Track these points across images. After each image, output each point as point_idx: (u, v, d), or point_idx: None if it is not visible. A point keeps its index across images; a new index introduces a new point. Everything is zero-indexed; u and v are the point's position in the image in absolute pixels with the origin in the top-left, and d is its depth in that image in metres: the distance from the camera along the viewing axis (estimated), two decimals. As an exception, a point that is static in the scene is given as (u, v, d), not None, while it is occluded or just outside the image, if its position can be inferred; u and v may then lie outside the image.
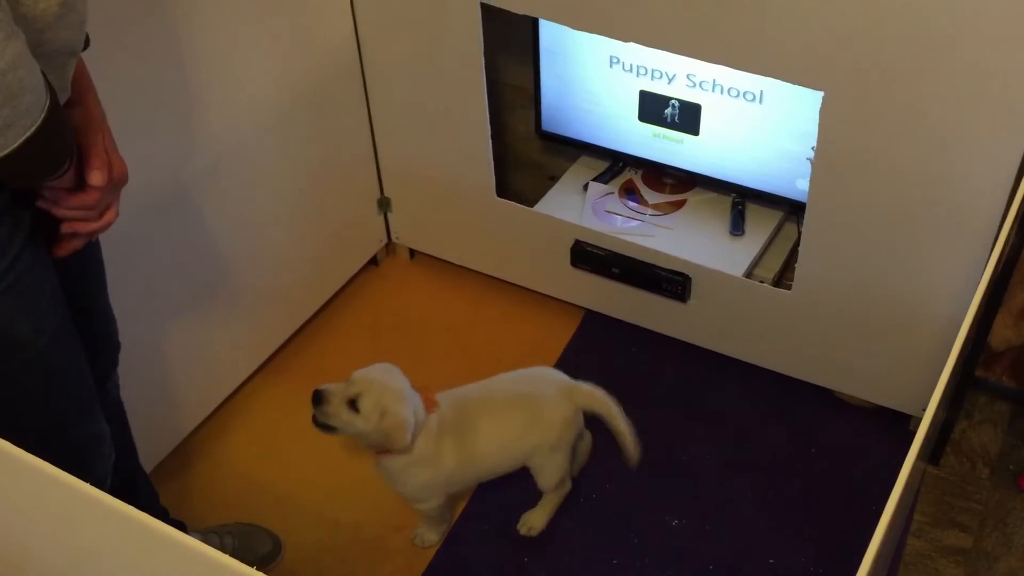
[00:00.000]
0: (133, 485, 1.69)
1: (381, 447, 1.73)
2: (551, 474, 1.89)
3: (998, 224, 1.68)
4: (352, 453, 2.10)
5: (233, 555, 1.67)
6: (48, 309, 1.22)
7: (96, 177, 1.18)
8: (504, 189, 2.26)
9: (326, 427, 1.71)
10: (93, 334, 1.41)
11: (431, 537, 1.93)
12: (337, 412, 1.68)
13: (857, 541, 1.88)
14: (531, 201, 2.31)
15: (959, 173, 1.67)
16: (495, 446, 1.83)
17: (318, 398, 1.69)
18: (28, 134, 1.00)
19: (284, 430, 2.16)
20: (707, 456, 2.07)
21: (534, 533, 1.95)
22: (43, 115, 1.01)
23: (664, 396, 2.20)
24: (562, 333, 2.33)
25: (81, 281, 1.35)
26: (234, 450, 2.11)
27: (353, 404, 1.68)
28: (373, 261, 2.50)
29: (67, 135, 1.10)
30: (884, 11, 1.56)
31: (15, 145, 1.00)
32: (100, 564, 0.93)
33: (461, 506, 2.00)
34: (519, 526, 1.95)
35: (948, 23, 1.52)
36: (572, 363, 2.26)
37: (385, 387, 1.69)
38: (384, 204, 2.42)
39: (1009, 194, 1.64)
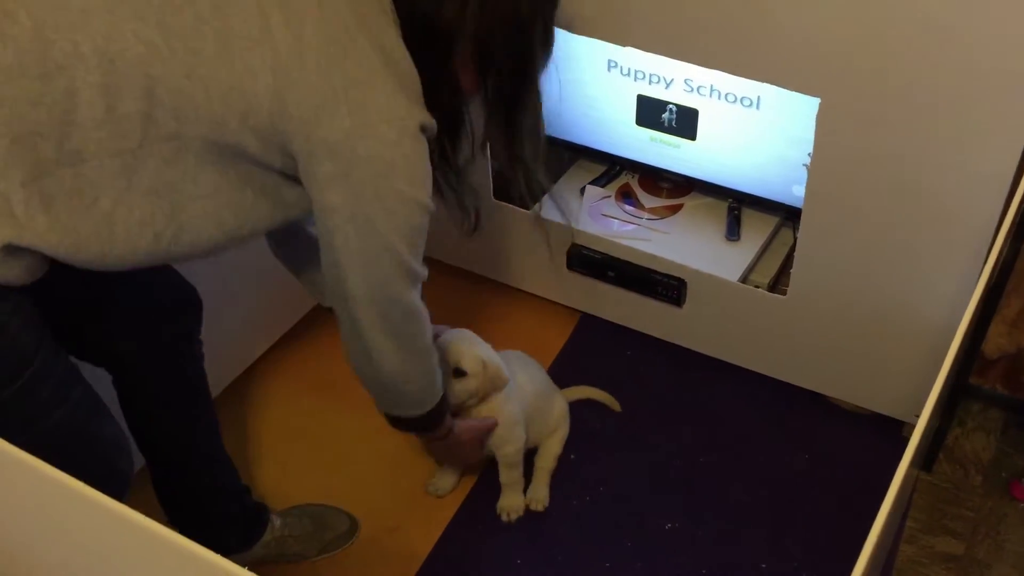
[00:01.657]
0: (214, 461, 1.75)
1: (482, 397, 1.82)
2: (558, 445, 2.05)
3: (993, 232, 1.68)
4: (345, 454, 2.10)
5: (312, 534, 1.88)
6: (41, 323, 1.25)
7: None
8: (501, 192, 2.26)
9: None
10: (158, 298, 1.55)
11: (517, 502, 1.98)
12: (452, 394, 1.75)
13: (849, 546, 1.88)
14: (528, 204, 2.31)
15: (955, 181, 1.67)
16: (543, 384, 2.03)
17: None
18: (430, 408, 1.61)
19: (277, 430, 2.16)
20: (701, 460, 2.08)
21: (546, 503, 1.99)
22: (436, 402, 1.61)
23: (658, 400, 2.20)
24: (558, 336, 2.34)
25: None
26: (227, 446, 2.10)
27: (458, 371, 1.77)
28: (369, 262, 2.49)
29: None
30: (882, 18, 1.56)
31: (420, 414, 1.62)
32: (109, 568, 0.94)
33: (453, 510, 2.00)
34: (528, 503, 1.98)
35: (945, 31, 1.53)
36: (567, 366, 2.26)
37: (470, 341, 1.82)
38: (381, 205, 2.42)
39: (1004, 202, 1.65)
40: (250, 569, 0.78)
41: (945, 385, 1.25)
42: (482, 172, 2.18)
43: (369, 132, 1.23)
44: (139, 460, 1.67)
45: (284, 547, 1.86)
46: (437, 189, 1.49)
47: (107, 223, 1.17)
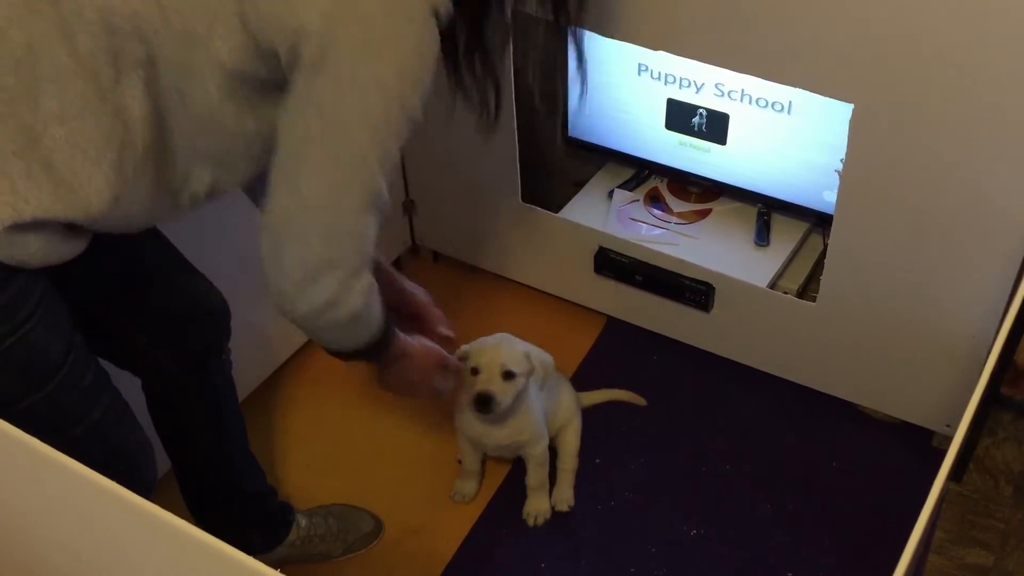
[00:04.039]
0: (241, 465, 1.75)
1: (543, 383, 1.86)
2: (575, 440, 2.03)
3: (1028, 241, 1.67)
4: (370, 456, 2.11)
5: (336, 534, 1.86)
6: (71, 330, 1.24)
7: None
8: (529, 194, 2.26)
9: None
10: (188, 306, 1.52)
11: (544, 506, 1.98)
12: (504, 395, 1.77)
13: (877, 556, 1.87)
14: (556, 207, 2.31)
15: (990, 189, 1.65)
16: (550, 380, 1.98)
17: (486, 403, 1.76)
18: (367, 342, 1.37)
19: (304, 432, 2.16)
20: (727, 466, 2.06)
21: (572, 503, 1.99)
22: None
23: (685, 405, 2.19)
24: (584, 340, 2.33)
25: (141, 264, 1.43)
26: (253, 448, 2.11)
27: (508, 374, 1.77)
28: (396, 263, 2.50)
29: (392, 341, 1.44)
30: (918, 23, 1.55)
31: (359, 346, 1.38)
32: (135, 567, 0.94)
33: (477, 513, 2.00)
34: (554, 504, 1.98)
35: (983, 36, 1.51)
36: (593, 371, 2.25)
37: (509, 341, 1.82)
38: (409, 207, 2.43)
39: (1040, 211, 1.63)
40: (274, 569, 0.78)
41: (975, 395, 1.24)
42: (509, 172, 2.18)
43: (351, 12, 1.08)
44: (164, 464, 1.69)
45: (309, 547, 1.87)
46: (455, 74, 1.30)
47: (117, 170, 1.11)
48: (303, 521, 1.87)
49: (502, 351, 1.78)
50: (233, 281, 2.03)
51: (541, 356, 1.85)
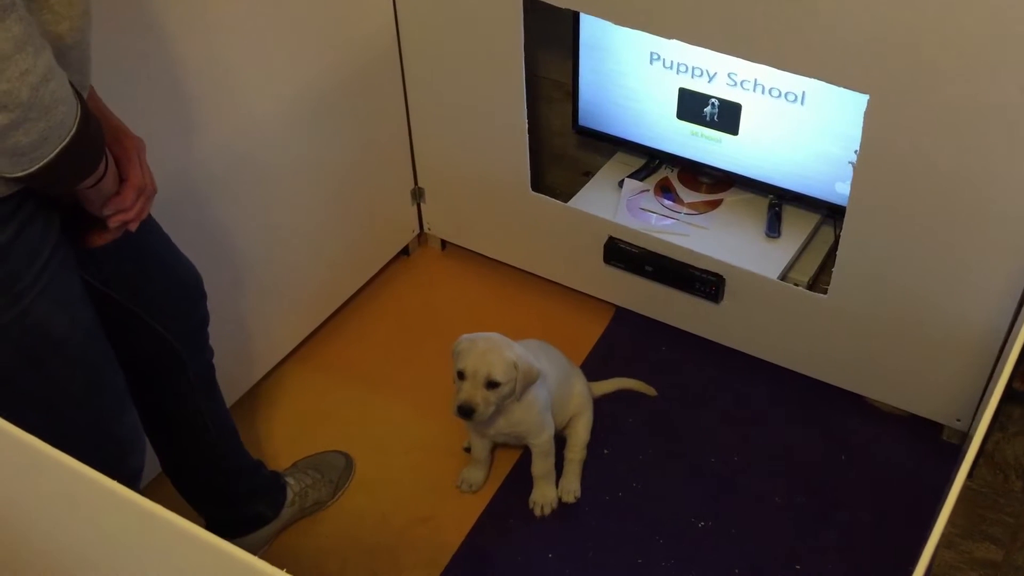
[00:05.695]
0: (228, 444, 1.75)
1: (520, 396, 1.82)
2: (584, 432, 2.02)
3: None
4: (377, 445, 2.10)
5: (320, 480, 1.91)
6: (80, 305, 1.23)
7: (135, 177, 1.23)
8: (539, 183, 2.25)
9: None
10: (182, 279, 1.50)
11: (550, 495, 1.98)
12: (487, 405, 1.76)
13: (885, 549, 1.87)
14: (566, 196, 2.30)
15: (1005, 184, 1.64)
16: (563, 370, 2.01)
17: (468, 413, 1.76)
18: (64, 143, 1.03)
19: (313, 417, 2.16)
20: (735, 458, 2.06)
21: (578, 494, 1.98)
22: (76, 124, 1.04)
23: (694, 396, 2.18)
24: (593, 330, 2.32)
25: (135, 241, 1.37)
26: (262, 436, 2.11)
27: (491, 384, 1.75)
28: (405, 251, 2.49)
29: (99, 141, 1.12)
30: (934, 14, 1.53)
31: (53, 155, 1.02)
32: (129, 561, 0.93)
33: (485, 502, 2.00)
34: (560, 495, 1.98)
35: (998, 29, 1.50)
36: (602, 360, 2.25)
37: (498, 345, 1.78)
38: (418, 194, 2.42)
39: (1056, 205, 1.61)
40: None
41: (989, 391, 1.23)
42: (519, 161, 2.17)
43: None
44: (153, 467, 1.69)
45: (304, 500, 1.93)
46: None
47: None
48: (291, 480, 1.92)
49: (489, 359, 1.75)
50: (240, 272, 2.04)
51: (528, 365, 1.80)
